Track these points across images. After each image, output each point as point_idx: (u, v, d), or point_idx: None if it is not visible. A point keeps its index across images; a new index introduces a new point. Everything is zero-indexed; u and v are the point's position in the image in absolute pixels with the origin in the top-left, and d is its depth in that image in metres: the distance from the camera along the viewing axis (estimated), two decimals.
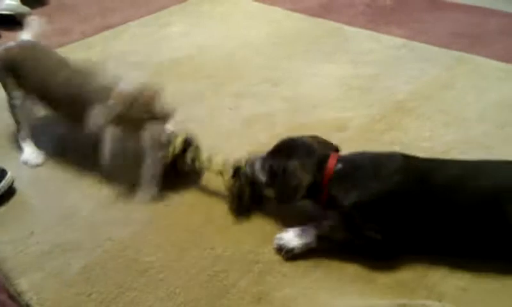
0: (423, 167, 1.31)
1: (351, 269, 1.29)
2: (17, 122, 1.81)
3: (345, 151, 1.63)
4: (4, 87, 1.81)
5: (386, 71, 2.21)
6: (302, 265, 1.31)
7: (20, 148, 1.81)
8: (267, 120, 1.92)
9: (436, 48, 2.37)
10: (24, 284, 1.30)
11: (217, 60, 2.41)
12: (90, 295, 1.26)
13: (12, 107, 1.80)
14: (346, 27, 2.66)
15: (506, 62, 2.22)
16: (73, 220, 1.51)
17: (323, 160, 1.34)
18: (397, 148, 1.69)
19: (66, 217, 1.52)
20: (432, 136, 1.77)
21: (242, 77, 2.24)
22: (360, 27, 2.65)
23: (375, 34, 2.56)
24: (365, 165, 1.31)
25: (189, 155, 1.54)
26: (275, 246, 1.35)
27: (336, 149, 1.44)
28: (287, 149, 1.39)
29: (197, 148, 1.56)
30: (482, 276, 1.24)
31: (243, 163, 1.47)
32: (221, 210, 1.50)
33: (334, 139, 1.76)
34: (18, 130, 1.81)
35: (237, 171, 1.47)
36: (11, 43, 1.83)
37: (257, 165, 1.42)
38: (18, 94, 1.77)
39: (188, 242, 1.40)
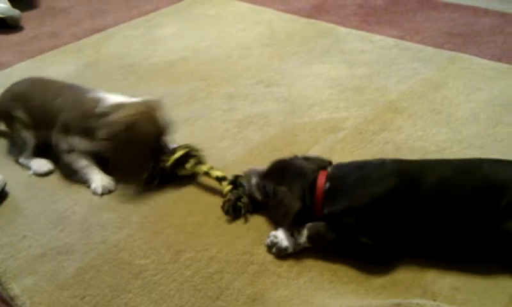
0: (412, 170, 1.32)
1: (346, 270, 1.29)
2: (23, 149, 1.75)
3: (338, 152, 1.65)
4: (11, 127, 1.78)
5: (378, 71, 2.21)
6: (296, 266, 1.31)
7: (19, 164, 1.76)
8: (260, 121, 1.92)
9: (428, 48, 2.38)
10: (16, 288, 1.29)
11: (210, 62, 2.40)
12: (84, 298, 1.25)
13: (22, 147, 1.75)
14: (338, 28, 2.66)
15: (498, 61, 2.23)
16: (66, 224, 1.50)
17: (313, 182, 1.35)
18: (390, 148, 1.70)
19: (59, 220, 1.51)
20: (425, 136, 1.77)
21: (235, 79, 2.24)
22: (352, 27, 2.66)
23: (367, 34, 2.57)
24: (353, 175, 1.32)
25: (189, 163, 1.56)
26: (268, 243, 1.35)
27: (330, 164, 1.44)
28: (278, 172, 1.42)
29: (199, 159, 1.58)
30: (475, 276, 1.25)
31: (242, 175, 1.50)
32: (215, 212, 1.50)
33: (327, 140, 1.78)
34: (21, 153, 1.75)
35: (235, 181, 1.49)
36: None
37: (253, 181, 1.45)
38: (28, 135, 1.73)
39: (182, 244, 1.40)
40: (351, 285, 1.25)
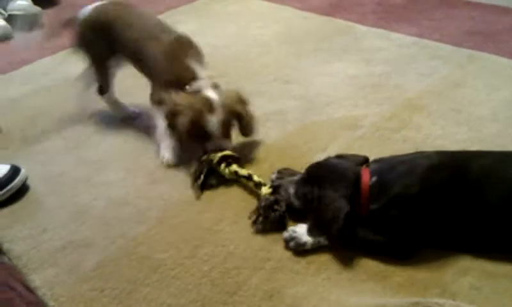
0: (458, 161, 1.30)
1: (363, 267, 1.29)
2: (103, 84, 1.90)
3: (356, 149, 1.63)
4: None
5: (397, 69, 2.20)
6: (314, 262, 1.31)
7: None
8: (278, 118, 1.92)
9: (447, 46, 2.36)
10: (37, 280, 1.31)
11: (228, 59, 2.41)
12: (103, 291, 1.27)
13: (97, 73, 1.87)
14: (356, 26, 2.65)
15: None
16: (86, 218, 1.52)
17: (356, 179, 1.31)
18: (408, 146, 1.69)
19: (79, 214, 1.53)
20: (444, 135, 1.75)
21: (253, 76, 2.24)
22: (370, 25, 2.64)
23: (385, 32, 2.55)
24: (401, 167, 1.29)
25: (232, 166, 1.56)
26: (286, 237, 1.34)
27: (366, 160, 1.42)
28: (318, 176, 1.36)
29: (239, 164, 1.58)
30: (495, 275, 1.23)
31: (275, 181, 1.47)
32: (232, 208, 1.51)
33: (346, 138, 1.77)
34: (103, 91, 1.92)
35: (276, 189, 1.44)
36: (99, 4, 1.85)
37: (291, 191, 1.40)
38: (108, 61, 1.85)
39: (200, 239, 1.41)
40: (368, 283, 1.25)
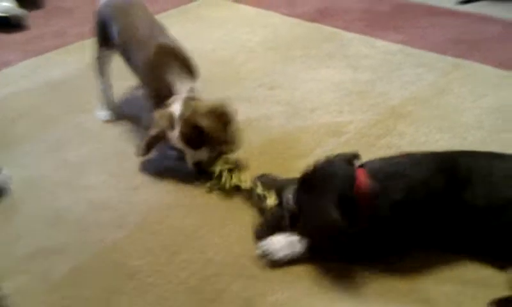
0: (455, 162, 1.29)
1: (343, 276, 1.27)
2: (99, 75, 1.99)
3: None
4: (97, 41, 1.93)
5: (382, 76, 2.19)
6: (293, 270, 1.29)
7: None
8: (263, 124, 1.90)
9: (432, 54, 2.36)
10: (8, 288, 1.27)
11: (215, 64, 2.39)
12: (76, 300, 1.24)
13: (96, 62, 1.96)
14: (343, 32, 2.65)
15: (502, 68, 2.21)
16: (63, 223, 1.49)
17: (350, 185, 1.23)
18: (392, 153, 1.66)
19: (57, 219, 1.50)
20: (428, 141, 1.75)
21: (238, 81, 2.23)
22: (357, 32, 2.64)
23: (371, 39, 2.55)
24: (398, 170, 1.27)
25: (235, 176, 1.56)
26: (259, 252, 1.30)
27: (355, 157, 1.33)
28: (313, 182, 1.28)
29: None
30: (475, 284, 1.23)
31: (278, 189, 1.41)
32: (214, 214, 1.49)
33: (330, 144, 1.76)
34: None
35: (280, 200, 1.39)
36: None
37: (290, 198, 1.34)
38: (105, 52, 1.92)
39: (179, 245, 1.38)
40: (347, 291, 1.23)
